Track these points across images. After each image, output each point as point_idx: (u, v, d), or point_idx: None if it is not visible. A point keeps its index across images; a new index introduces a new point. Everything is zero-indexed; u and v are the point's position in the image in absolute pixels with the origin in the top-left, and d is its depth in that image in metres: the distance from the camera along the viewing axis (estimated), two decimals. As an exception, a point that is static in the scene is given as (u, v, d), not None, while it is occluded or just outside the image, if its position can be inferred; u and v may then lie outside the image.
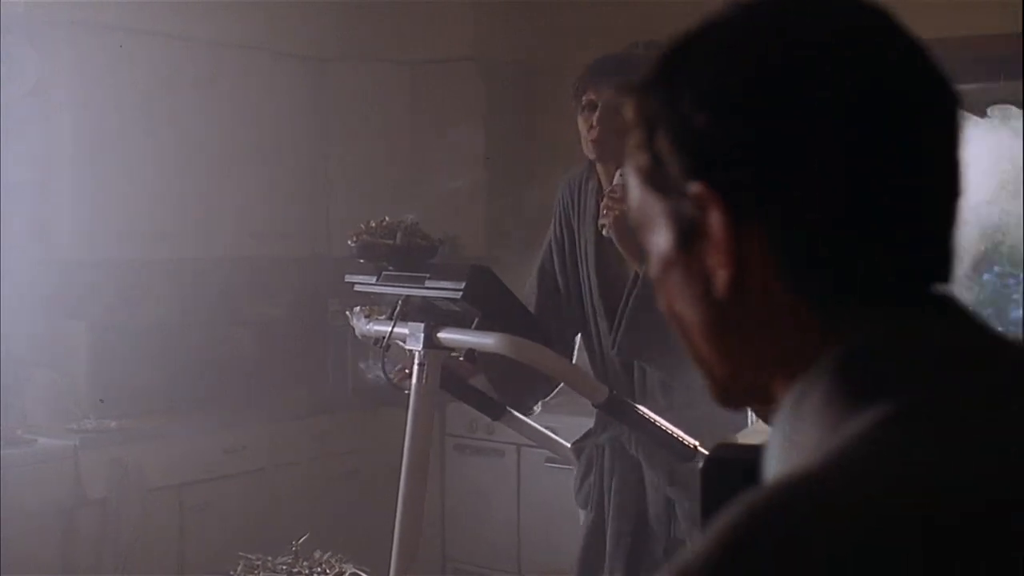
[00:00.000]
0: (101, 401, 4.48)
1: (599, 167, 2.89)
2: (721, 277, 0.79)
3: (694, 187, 0.79)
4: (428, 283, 2.58)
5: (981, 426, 0.72)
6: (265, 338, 5.24)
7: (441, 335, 2.61)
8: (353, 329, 2.97)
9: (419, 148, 5.44)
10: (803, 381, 0.77)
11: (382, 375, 2.85)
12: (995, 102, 4.67)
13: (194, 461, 4.52)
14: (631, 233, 2.51)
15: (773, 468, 0.78)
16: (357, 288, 2.86)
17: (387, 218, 2.78)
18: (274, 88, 5.15)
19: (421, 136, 5.45)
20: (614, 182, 2.71)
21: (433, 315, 2.67)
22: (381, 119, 5.41)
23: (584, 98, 2.83)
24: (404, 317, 2.71)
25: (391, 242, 2.69)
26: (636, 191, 0.85)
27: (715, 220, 0.78)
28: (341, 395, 5.35)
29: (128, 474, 4.25)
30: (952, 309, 0.79)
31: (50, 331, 4.61)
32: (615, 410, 2.58)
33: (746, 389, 0.84)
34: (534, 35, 5.46)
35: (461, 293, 2.47)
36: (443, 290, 2.53)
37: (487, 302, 2.51)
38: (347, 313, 2.99)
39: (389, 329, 2.75)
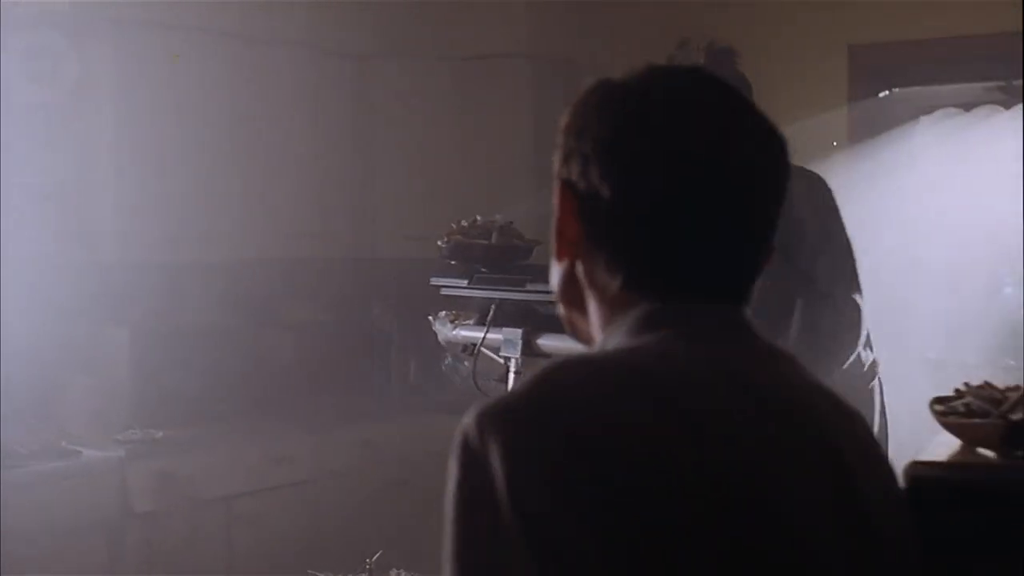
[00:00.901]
0: (143, 412, 4.33)
1: None
2: (557, 249, 1.15)
3: (557, 185, 1.16)
4: (530, 285, 2.42)
5: (673, 368, 1.03)
6: (307, 342, 5.07)
7: (541, 341, 2.44)
8: (436, 335, 2.79)
9: (465, 147, 5.27)
10: (613, 326, 1.10)
11: (472, 383, 2.67)
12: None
13: (241, 472, 4.35)
14: None
15: None
16: (444, 292, 2.68)
17: (478, 217, 2.61)
18: (317, 85, 4.98)
19: (467, 134, 5.28)
20: None
21: (530, 320, 2.50)
22: (426, 117, 5.24)
23: None
24: (497, 322, 2.54)
25: (487, 242, 2.51)
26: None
27: (557, 207, 1.15)
28: (387, 402, 5.18)
29: (176, 486, 4.08)
30: (724, 311, 1.11)
31: (90, 337, 4.44)
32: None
33: (578, 325, 1.18)
34: (584, 31, 5.30)
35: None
36: (549, 292, 2.35)
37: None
38: (429, 318, 2.81)
39: (480, 335, 2.58)
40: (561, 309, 1.20)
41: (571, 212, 1.12)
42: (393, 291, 5.39)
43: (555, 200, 1.15)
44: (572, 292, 1.15)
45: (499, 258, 2.52)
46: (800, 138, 4.13)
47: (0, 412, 4.03)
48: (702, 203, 1.07)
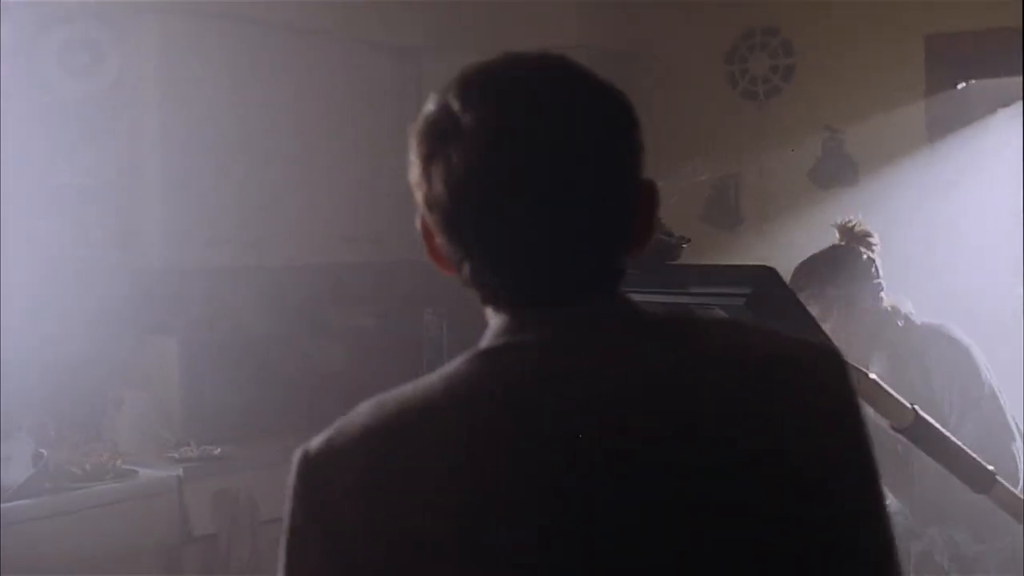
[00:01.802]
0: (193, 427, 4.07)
1: None
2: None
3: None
4: (694, 288, 2.18)
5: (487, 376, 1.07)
6: (359, 350, 4.81)
7: (702, 349, 2.21)
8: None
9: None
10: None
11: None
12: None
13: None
14: None
15: None
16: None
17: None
18: (366, 81, 4.73)
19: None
20: None
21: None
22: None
23: None
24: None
25: (639, 240, 2.27)
26: None
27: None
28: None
29: (238, 507, 3.83)
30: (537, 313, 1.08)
31: (138, 347, 4.18)
32: (919, 434, 2.19)
33: None
34: (641, 21, 5.07)
35: (745, 299, 2.06)
36: (720, 295, 2.12)
37: (774, 310, 2.10)
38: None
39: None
40: None
41: (425, 233, 1.13)
42: (444, 295, 5.16)
43: None
44: None
45: (650, 257, 2.27)
46: (881, 133, 3.95)
47: (49, 429, 3.77)
48: (515, 203, 1.04)
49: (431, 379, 1.10)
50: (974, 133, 4.61)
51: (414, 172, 1.09)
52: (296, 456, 1.08)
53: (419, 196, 1.09)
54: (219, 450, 3.93)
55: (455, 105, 1.06)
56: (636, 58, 5.15)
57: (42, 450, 3.57)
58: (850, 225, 3.11)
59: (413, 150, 1.09)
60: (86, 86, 4.05)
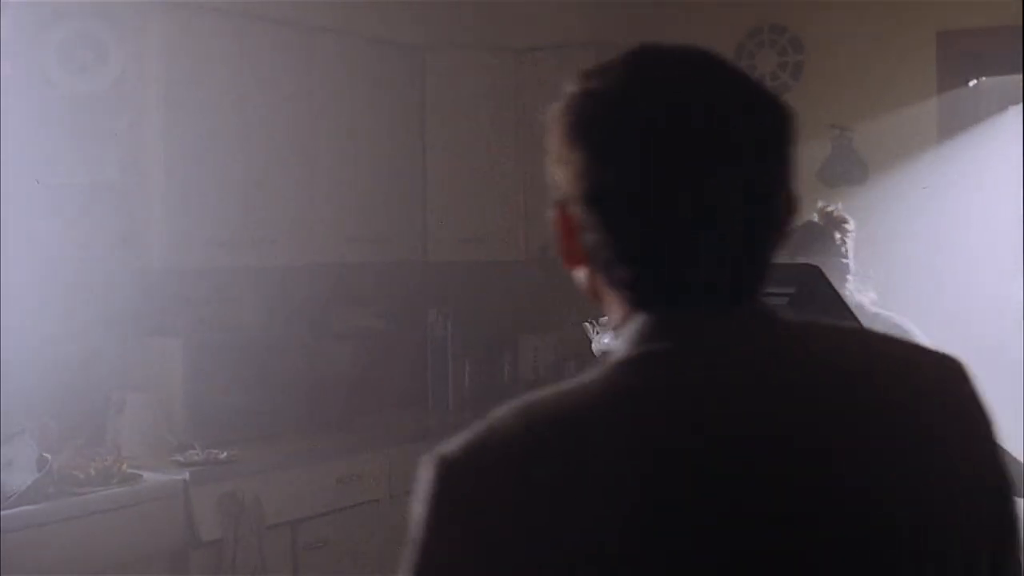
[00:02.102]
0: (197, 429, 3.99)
1: None
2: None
3: (553, 194, 1.07)
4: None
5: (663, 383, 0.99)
6: (363, 351, 4.74)
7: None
8: (591, 343, 2.49)
9: (525, 143, 4.97)
10: (623, 332, 1.04)
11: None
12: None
13: (308, 493, 4.03)
14: None
15: None
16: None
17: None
18: (370, 79, 4.66)
19: (527, 130, 4.98)
20: None
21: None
22: (483, 112, 4.94)
23: None
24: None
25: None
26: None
27: (555, 224, 1.07)
28: (446, 415, 4.87)
29: (245, 511, 3.75)
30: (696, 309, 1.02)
31: (141, 349, 4.10)
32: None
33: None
34: (650, 19, 5.02)
35: (789, 298, 2.00)
36: (763, 295, 2.06)
37: (818, 308, 2.04)
38: (585, 326, 2.51)
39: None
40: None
41: (566, 227, 1.06)
42: (447, 296, 5.10)
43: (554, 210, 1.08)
44: (595, 293, 1.09)
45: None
46: (891, 131, 3.91)
47: (52, 432, 3.69)
48: (709, 206, 0.99)
49: (585, 385, 1.00)
50: (985, 131, 4.57)
51: (568, 164, 1.03)
52: (432, 462, 0.99)
53: (574, 187, 1.03)
54: (224, 453, 3.86)
55: (629, 94, 1.01)
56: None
57: (46, 454, 3.49)
58: (829, 209, 3.30)
59: (568, 139, 1.03)
60: (87, 84, 3.97)
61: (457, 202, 4.93)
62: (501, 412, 1.00)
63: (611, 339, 2.43)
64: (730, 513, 0.93)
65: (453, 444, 0.99)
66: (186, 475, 3.70)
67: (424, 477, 0.99)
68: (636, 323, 1.02)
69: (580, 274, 1.08)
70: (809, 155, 4.77)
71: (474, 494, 0.97)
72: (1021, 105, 4.45)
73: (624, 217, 1.01)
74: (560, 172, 1.05)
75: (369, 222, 4.67)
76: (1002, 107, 4.59)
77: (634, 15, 4.98)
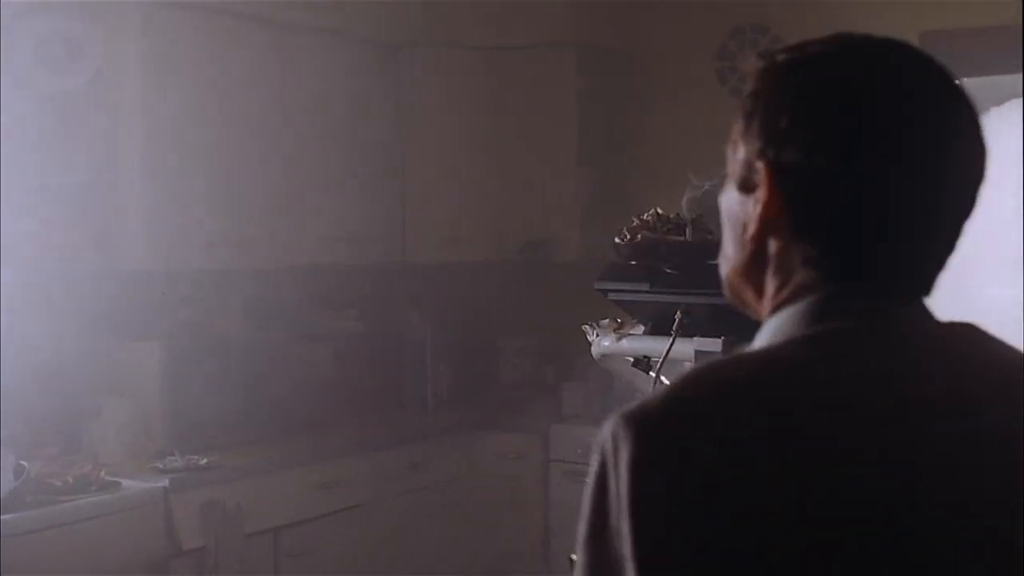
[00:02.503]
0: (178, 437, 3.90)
1: None
2: (750, 230, 1.07)
3: (760, 164, 1.05)
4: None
5: (849, 369, 0.99)
6: (342, 353, 4.68)
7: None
8: (590, 346, 2.43)
9: (504, 143, 4.92)
10: (786, 311, 1.05)
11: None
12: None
13: (289, 500, 3.96)
14: None
15: None
16: (612, 298, 2.31)
17: (658, 210, 2.24)
18: (348, 78, 4.60)
19: (506, 130, 4.93)
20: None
21: (730, 327, 2.15)
22: (463, 111, 4.88)
23: None
24: (687, 331, 2.19)
25: (682, 239, 2.16)
26: (733, 147, 1.09)
27: (762, 190, 1.05)
28: (425, 417, 4.81)
29: (226, 518, 3.68)
30: (899, 300, 1.05)
31: (118, 353, 4.01)
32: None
33: (744, 297, 1.13)
34: (631, 18, 4.98)
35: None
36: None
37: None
38: (584, 328, 2.45)
39: (659, 347, 2.23)
40: (734, 292, 1.16)
41: (775, 190, 1.04)
42: (426, 297, 5.04)
43: (733, 179, 1.09)
44: (755, 274, 1.10)
45: (696, 256, 2.16)
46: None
47: (25, 439, 3.60)
48: (920, 192, 1.02)
49: (773, 354, 1.02)
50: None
51: (795, 139, 1.03)
52: (629, 424, 0.96)
53: (797, 160, 1.03)
54: (205, 460, 3.78)
55: (862, 71, 1.03)
56: (626, 56, 5.06)
57: (23, 462, 3.40)
58: None
59: (803, 116, 1.03)
60: (63, 82, 3.88)
61: (436, 203, 4.87)
62: (687, 378, 1.00)
63: (611, 342, 2.38)
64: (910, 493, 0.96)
65: (647, 407, 0.97)
66: (166, 482, 3.62)
67: (621, 441, 0.96)
68: (812, 299, 1.04)
69: (747, 250, 1.08)
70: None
71: (682, 456, 0.94)
72: (1021, 102, 4.41)
73: (848, 197, 1.02)
74: (786, 148, 1.03)
75: (347, 223, 4.60)
76: (985, 108, 4.58)
77: (614, 14, 4.94)
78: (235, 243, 4.16)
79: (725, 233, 1.14)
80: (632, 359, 2.36)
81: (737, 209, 1.09)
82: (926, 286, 1.07)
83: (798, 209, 1.03)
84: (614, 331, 2.40)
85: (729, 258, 1.13)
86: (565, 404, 4.93)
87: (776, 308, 1.07)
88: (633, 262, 2.23)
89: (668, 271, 2.21)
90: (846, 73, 1.03)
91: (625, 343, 2.34)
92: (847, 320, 1.02)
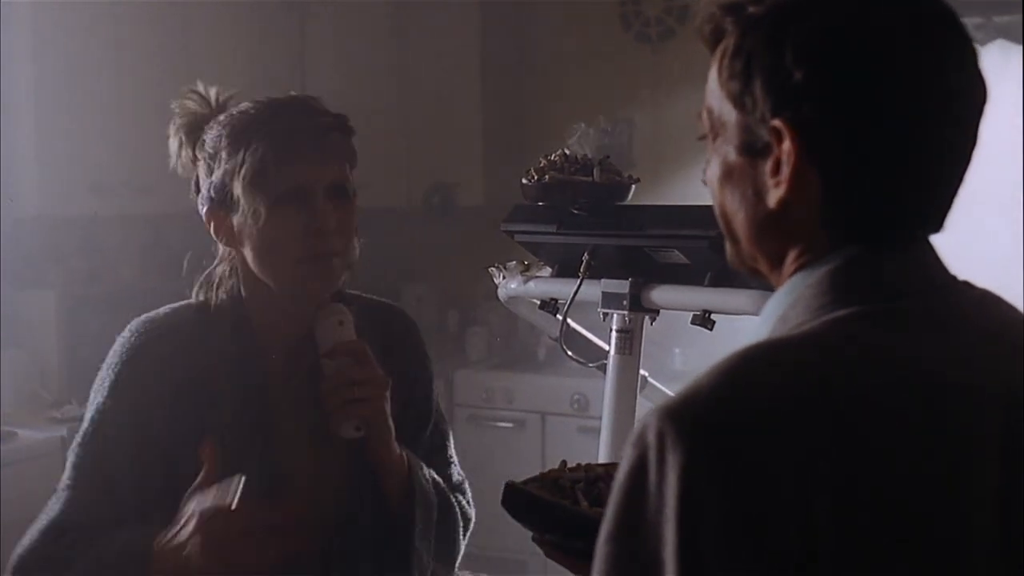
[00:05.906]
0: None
1: None
2: (775, 195, 1.01)
3: (776, 122, 0.98)
4: (651, 229, 2.08)
5: (892, 342, 0.95)
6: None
7: (655, 295, 2.12)
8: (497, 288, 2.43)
9: (405, 87, 4.87)
10: (803, 275, 1.02)
11: (563, 349, 2.32)
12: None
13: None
14: None
15: (764, 331, 1.02)
16: (519, 240, 2.31)
17: (566, 151, 2.23)
18: (248, 30, 4.50)
19: (409, 79, 4.88)
20: None
21: (638, 269, 2.16)
22: (364, 60, 4.81)
23: None
24: (594, 273, 2.20)
25: (589, 179, 2.15)
26: (715, 99, 1.05)
27: (787, 151, 0.98)
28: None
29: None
30: (925, 252, 1.03)
31: (12, 303, 3.92)
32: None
33: (757, 266, 1.09)
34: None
35: (709, 241, 1.97)
36: (681, 238, 2.03)
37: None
38: (491, 270, 2.44)
39: (566, 289, 2.23)
40: (745, 261, 1.11)
41: (802, 149, 0.99)
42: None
43: (731, 144, 1.04)
44: (771, 241, 1.05)
45: (603, 197, 2.17)
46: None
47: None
48: (938, 139, 0.99)
49: (819, 337, 0.96)
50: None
51: (820, 94, 0.98)
52: (671, 418, 0.89)
53: (808, 112, 0.98)
54: (105, 409, 3.71)
55: (861, 12, 0.99)
56: (529, 9, 5.03)
57: (-85, 413, 3.31)
58: None
59: (802, 61, 0.98)
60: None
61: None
62: (735, 371, 0.92)
63: (518, 284, 2.37)
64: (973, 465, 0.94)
65: (696, 406, 0.90)
66: (64, 432, 3.55)
67: (669, 443, 0.89)
68: (836, 261, 1.00)
69: (763, 206, 1.03)
70: (698, 102, 4.76)
71: (738, 467, 0.88)
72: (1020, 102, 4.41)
73: (876, 160, 0.98)
74: (805, 102, 0.98)
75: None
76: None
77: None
78: (134, 189, 4.06)
79: (725, 202, 1.07)
80: (539, 302, 2.37)
81: (750, 173, 1.03)
82: (941, 225, 1.04)
83: (828, 165, 0.98)
84: (521, 273, 2.40)
85: (738, 228, 1.07)
86: (469, 349, 4.93)
87: (796, 271, 1.03)
88: (540, 203, 2.22)
89: (575, 212, 2.21)
90: (846, 18, 0.98)
91: (532, 285, 2.34)
92: (883, 293, 0.99)
